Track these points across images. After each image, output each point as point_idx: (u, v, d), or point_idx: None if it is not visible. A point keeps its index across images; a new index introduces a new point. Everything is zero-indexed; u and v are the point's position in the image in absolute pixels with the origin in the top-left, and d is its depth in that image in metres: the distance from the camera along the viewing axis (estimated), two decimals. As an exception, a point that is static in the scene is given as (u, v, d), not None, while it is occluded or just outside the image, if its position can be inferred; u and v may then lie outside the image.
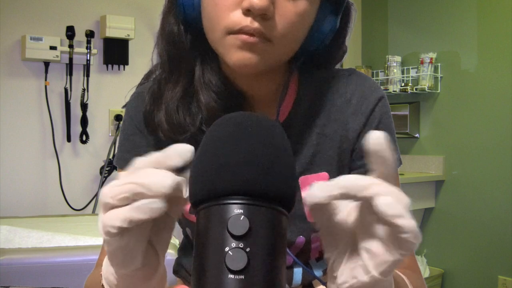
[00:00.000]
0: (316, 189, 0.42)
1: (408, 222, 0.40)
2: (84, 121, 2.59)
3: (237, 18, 0.65)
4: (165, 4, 0.78)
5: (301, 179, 0.78)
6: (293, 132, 0.78)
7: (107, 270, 0.49)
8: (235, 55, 0.67)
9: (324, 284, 0.80)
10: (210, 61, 0.75)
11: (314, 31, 0.72)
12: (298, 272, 0.80)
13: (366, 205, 0.42)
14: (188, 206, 0.79)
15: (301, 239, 0.77)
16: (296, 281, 0.80)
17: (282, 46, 0.68)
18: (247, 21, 0.65)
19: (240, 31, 0.66)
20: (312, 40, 0.73)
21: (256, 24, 0.65)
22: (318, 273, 0.81)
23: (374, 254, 0.42)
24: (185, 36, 0.75)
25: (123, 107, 0.85)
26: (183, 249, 0.94)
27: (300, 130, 0.78)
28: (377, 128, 0.75)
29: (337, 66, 0.84)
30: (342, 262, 0.45)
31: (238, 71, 0.70)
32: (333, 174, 0.77)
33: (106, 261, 0.49)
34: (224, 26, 0.67)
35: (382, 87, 1.72)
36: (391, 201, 0.40)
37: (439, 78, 3.27)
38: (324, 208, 0.45)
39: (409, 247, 0.41)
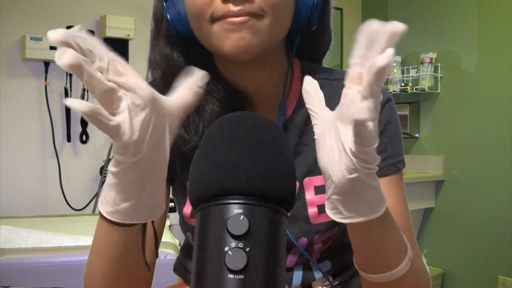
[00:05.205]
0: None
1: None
2: (84, 121, 2.59)
3: (217, 6, 0.66)
4: (151, 30, 0.78)
5: (306, 180, 0.77)
6: (296, 133, 0.78)
7: (102, 196, 0.54)
8: (228, 40, 0.67)
9: (331, 283, 0.80)
10: (207, 69, 0.76)
11: (300, 7, 0.72)
12: (297, 274, 0.80)
13: None
14: (189, 211, 0.79)
15: (303, 240, 0.77)
16: (295, 283, 0.80)
17: (273, 18, 0.68)
18: (228, 7, 0.66)
19: (224, 16, 0.66)
20: (299, 18, 0.73)
21: (237, 8, 0.65)
22: (318, 274, 0.81)
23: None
24: (178, 54, 0.76)
25: None
26: (185, 248, 0.93)
27: (304, 131, 0.78)
28: (383, 130, 0.75)
29: (338, 68, 0.84)
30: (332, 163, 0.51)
31: (236, 58, 0.69)
32: None
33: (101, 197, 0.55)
34: (207, 17, 0.67)
35: (382, 87, 1.72)
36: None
37: (439, 78, 3.26)
38: None
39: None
